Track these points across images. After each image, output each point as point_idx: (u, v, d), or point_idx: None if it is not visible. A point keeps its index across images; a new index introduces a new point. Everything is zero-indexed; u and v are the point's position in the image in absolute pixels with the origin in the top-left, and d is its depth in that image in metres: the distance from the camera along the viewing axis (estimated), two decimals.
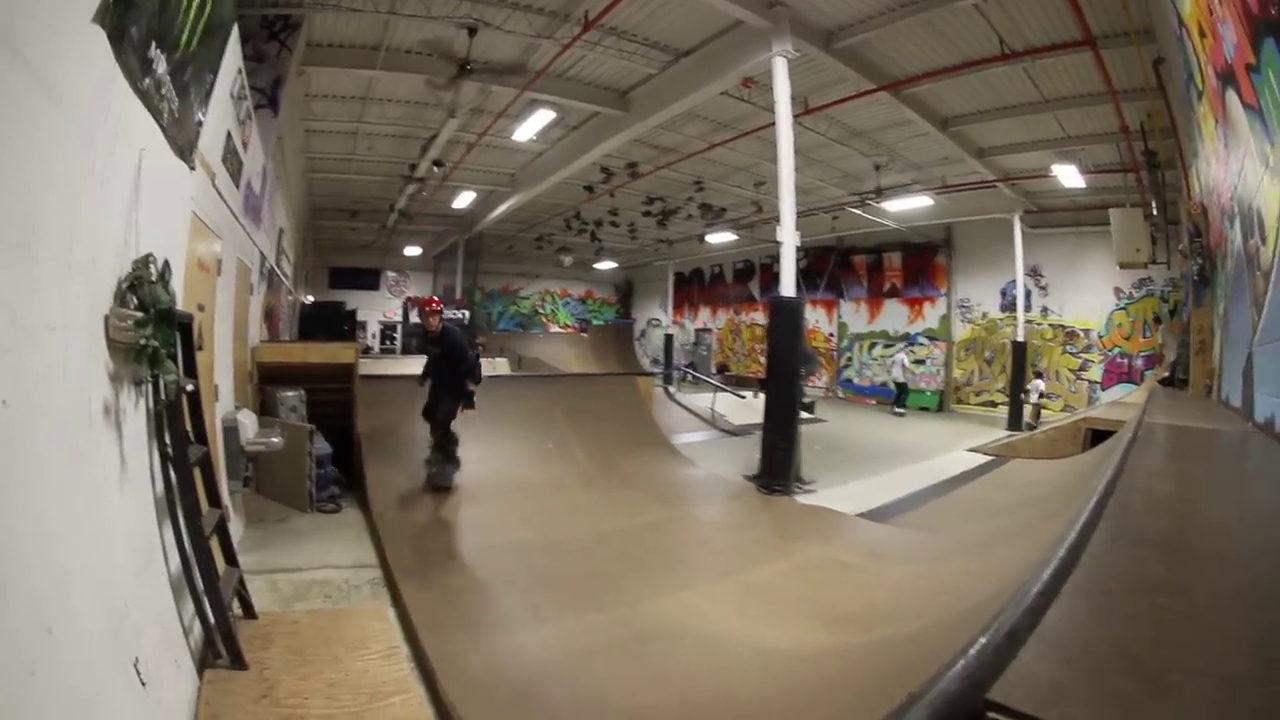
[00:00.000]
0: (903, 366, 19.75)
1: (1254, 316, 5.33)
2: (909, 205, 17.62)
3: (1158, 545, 2.40)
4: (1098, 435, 9.70)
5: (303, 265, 21.21)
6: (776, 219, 9.04)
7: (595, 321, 34.29)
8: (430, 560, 5.58)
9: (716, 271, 29.63)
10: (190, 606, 3.33)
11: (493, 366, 13.98)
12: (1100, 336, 17.22)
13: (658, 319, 32.87)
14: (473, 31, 9.76)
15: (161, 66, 3.09)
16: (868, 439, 14.09)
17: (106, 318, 2.73)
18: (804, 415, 11.38)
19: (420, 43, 10.20)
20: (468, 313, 24.21)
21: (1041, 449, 10.98)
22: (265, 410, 7.52)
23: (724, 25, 9.69)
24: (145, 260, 3.04)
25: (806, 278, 22.22)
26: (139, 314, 2.88)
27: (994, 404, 18.80)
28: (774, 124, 9.11)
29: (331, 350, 9.15)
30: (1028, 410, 16.14)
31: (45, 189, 2.13)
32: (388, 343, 27.78)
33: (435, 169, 16.42)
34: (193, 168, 4.22)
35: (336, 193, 19.74)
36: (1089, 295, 17.34)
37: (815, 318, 24.06)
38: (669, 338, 30.49)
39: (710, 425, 13.95)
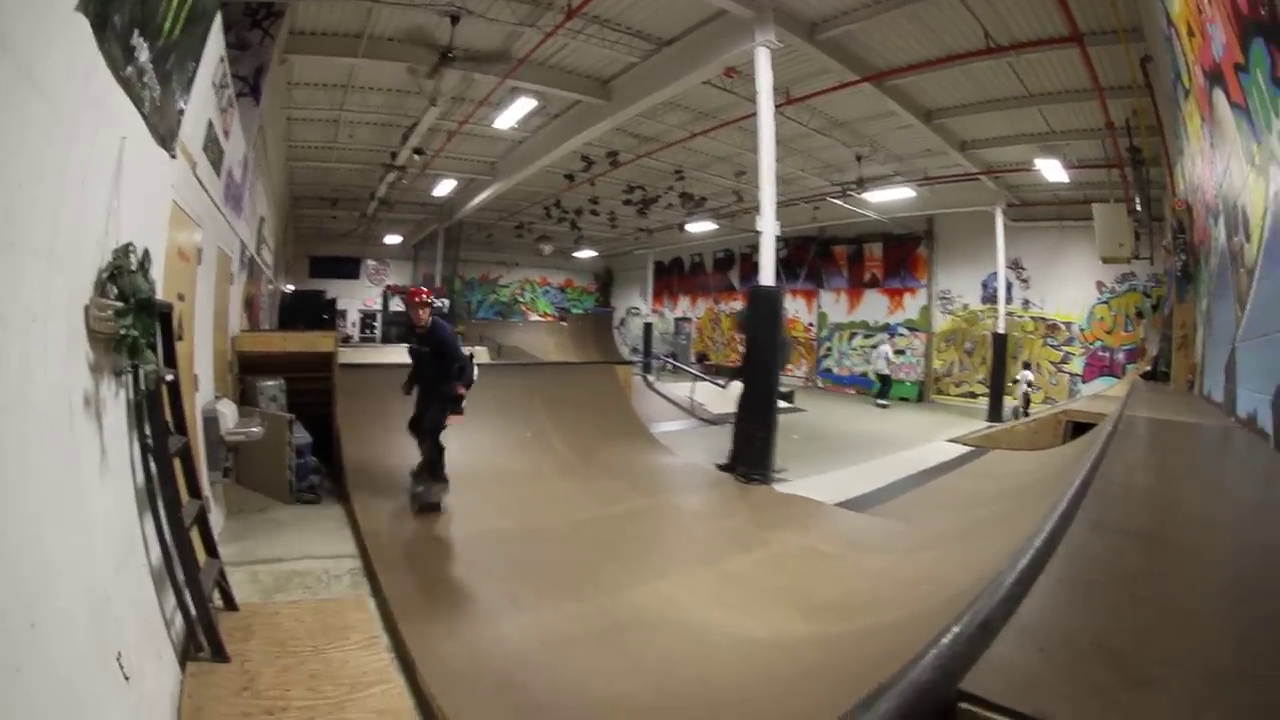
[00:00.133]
0: (887, 358, 19.71)
1: (1237, 312, 5.40)
2: (891, 196, 17.67)
3: (1138, 536, 2.41)
4: (1079, 428, 9.81)
5: (283, 254, 21.00)
6: (757, 208, 9.04)
7: (575, 310, 34.27)
8: (409, 550, 5.58)
9: (696, 260, 29.69)
10: (171, 599, 3.31)
11: (471, 355, 13.93)
12: (1082, 330, 17.40)
13: (637, 308, 32.91)
14: (455, 19, 9.70)
15: (144, 54, 3.05)
16: (847, 429, 14.19)
17: (87, 308, 2.70)
18: (782, 404, 11.42)
19: (402, 30, 10.12)
20: (448, 301, 24.08)
21: (1022, 440, 11.07)
22: (245, 400, 7.47)
23: (707, 14, 9.67)
24: (125, 249, 3.00)
25: (787, 267, 22.39)
26: (119, 304, 2.85)
27: (974, 395, 18.98)
28: (756, 114, 9.09)
29: (311, 339, 9.09)
30: (1018, 399, 16.49)
31: (31, 181, 2.11)
32: (368, 331, 27.61)
33: (416, 157, 16.32)
34: (174, 156, 4.17)
35: (317, 181, 19.55)
36: (1071, 288, 17.51)
37: (795, 307, 24.20)
38: (648, 326, 30.62)
39: (689, 414, 13.97)
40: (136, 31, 2.90)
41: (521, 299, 33.59)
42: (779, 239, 9.11)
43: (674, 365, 22.74)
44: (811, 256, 23.40)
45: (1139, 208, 12.53)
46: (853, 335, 22.81)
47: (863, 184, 16.81)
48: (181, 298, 4.80)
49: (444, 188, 20.03)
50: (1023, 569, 1.84)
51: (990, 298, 18.40)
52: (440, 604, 4.55)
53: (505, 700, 3.37)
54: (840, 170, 17.07)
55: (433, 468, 6.69)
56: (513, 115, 13.24)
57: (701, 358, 26.01)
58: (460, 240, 26.28)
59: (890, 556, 5.48)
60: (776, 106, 9.64)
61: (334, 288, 26.99)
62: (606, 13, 9.96)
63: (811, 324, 24.17)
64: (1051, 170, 13.78)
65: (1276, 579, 2.02)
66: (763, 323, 8.88)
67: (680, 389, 15.53)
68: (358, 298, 28.68)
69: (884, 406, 18.54)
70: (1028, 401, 16.44)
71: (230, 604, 4.09)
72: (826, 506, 7.29)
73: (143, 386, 3.18)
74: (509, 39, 10.68)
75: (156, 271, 3.51)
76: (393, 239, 27.31)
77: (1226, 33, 4.32)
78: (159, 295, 3.38)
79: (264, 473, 6.91)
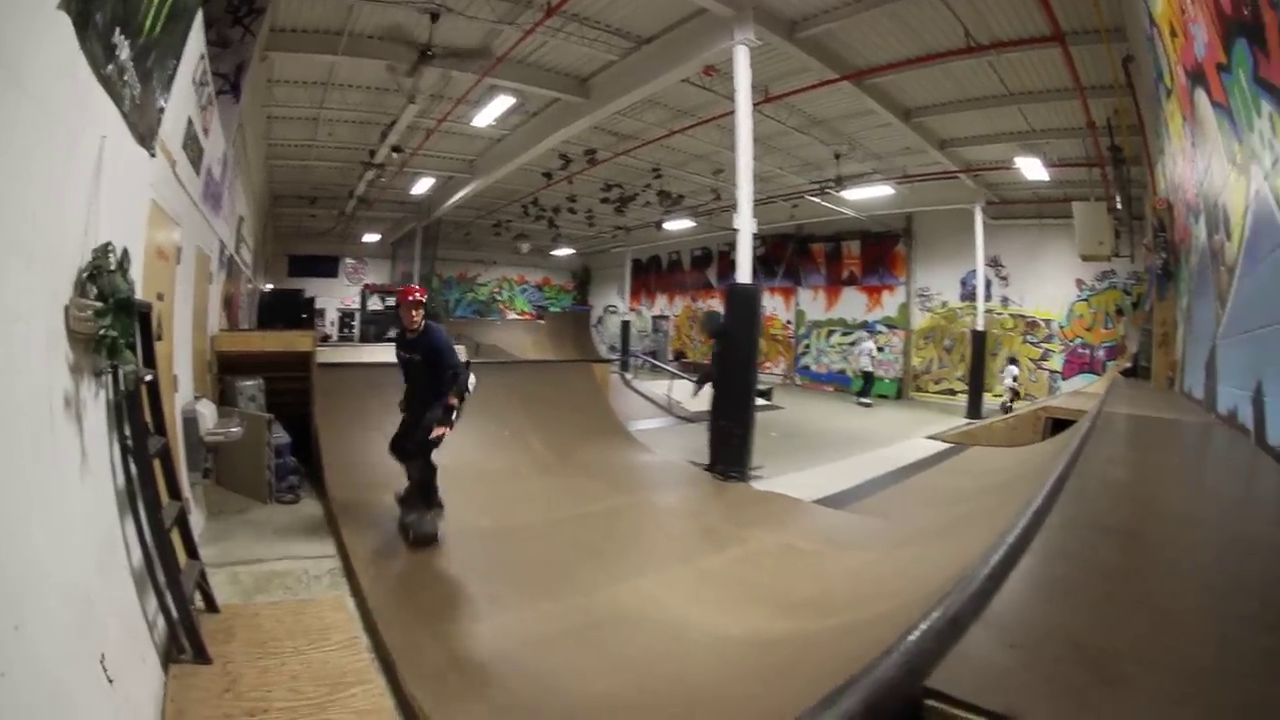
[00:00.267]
0: (870, 355, 19.40)
1: (1218, 310, 5.47)
2: (869, 194, 17.74)
3: (1115, 532, 2.40)
4: (1058, 424, 9.87)
5: (262, 253, 20.79)
6: (734, 206, 9.05)
7: (552, 308, 34.14)
8: (388, 549, 5.53)
9: (674, 258, 29.76)
10: (153, 601, 3.29)
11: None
12: (1061, 327, 17.58)
13: (615, 306, 32.89)
14: (435, 16, 9.68)
15: (125, 52, 3.03)
16: (825, 426, 14.25)
17: (67, 308, 2.68)
18: (760, 402, 11.46)
19: (383, 27, 10.07)
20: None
21: (1001, 437, 11.15)
22: (224, 400, 7.41)
23: (687, 13, 9.68)
24: (105, 249, 2.97)
25: (764, 265, 22.41)
26: (99, 304, 2.83)
27: (953, 392, 19.12)
28: (734, 112, 9.10)
29: (289, 338, 9.04)
30: (1005, 394, 16.76)
31: (14, 181, 2.10)
32: (346, 330, 27.40)
33: (395, 155, 16.23)
34: (153, 154, 4.13)
35: (297, 179, 19.37)
36: (1050, 286, 17.68)
37: (773, 305, 24.29)
38: (626, 325, 30.59)
39: (667, 412, 14.03)
40: (118, 29, 2.89)
41: (499, 297, 33.47)
42: (757, 237, 9.13)
43: (652, 363, 22.73)
44: (789, 254, 23.53)
45: (1119, 206, 12.63)
46: (831, 333, 22.93)
47: (841, 182, 16.85)
48: (160, 297, 4.77)
49: (422, 186, 19.96)
50: (995, 565, 1.82)
51: (969, 295, 18.51)
52: (420, 603, 4.54)
53: (485, 699, 3.38)
54: (819, 168, 17.09)
55: (424, 491, 5.75)
56: (491, 113, 13.19)
57: (679, 355, 26.05)
58: (438, 238, 26.16)
59: (869, 553, 5.51)
60: (755, 104, 9.67)
61: (313, 286, 26.65)
62: (586, 10, 9.94)
63: (790, 322, 24.27)
64: (1031, 169, 13.86)
65: (1257, 576, 1.99)
66: (740, 321, 8.85)
67: (658, 387, 15.59)
68: (336, 296, 28.43)
69: (867, 405, 18.16)
70: (1015, 396, 16.65)
71: (211, 605, 4.06)
72: (804, 504, 7.32)
73: (122, 387, 3.15)
74: (488, 36, 10.65)
75: (135, 271, 3.48)
76: (371, 237, 27.19)
77: (1209, 32, 4.36)
78: (138, 295, 3.36)
79: (243, 473, 6.85)
